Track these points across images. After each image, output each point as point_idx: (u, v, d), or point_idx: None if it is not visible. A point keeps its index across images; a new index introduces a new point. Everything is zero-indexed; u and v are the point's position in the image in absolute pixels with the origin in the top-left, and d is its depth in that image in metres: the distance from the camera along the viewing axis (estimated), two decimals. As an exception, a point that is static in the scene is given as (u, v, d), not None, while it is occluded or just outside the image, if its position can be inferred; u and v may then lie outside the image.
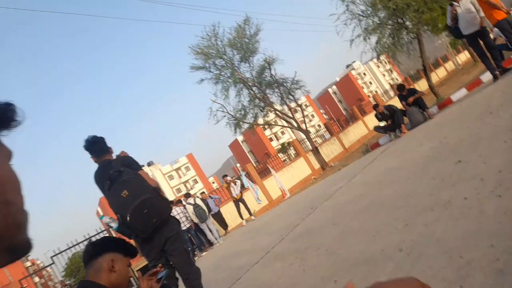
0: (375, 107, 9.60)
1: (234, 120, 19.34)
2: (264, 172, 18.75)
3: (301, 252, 3.79)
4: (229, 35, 18.81)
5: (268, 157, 26.00)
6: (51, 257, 11.02)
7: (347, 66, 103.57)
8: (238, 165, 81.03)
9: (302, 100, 22.70)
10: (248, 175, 16.02)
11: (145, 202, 2.84)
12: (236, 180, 13.11)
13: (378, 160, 6.99)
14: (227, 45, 18.80)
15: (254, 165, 21.43)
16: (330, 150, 20.37)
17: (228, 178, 12.96)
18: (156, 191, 2.98)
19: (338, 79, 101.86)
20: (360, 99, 72.09)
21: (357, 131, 22.69)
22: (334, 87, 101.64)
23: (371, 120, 23.11)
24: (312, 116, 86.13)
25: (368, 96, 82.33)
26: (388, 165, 5.71)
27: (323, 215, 5.00)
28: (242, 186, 13.99)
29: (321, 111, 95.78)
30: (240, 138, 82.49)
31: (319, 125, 79.78)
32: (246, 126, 20.10)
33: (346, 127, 23.47)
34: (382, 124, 9.45)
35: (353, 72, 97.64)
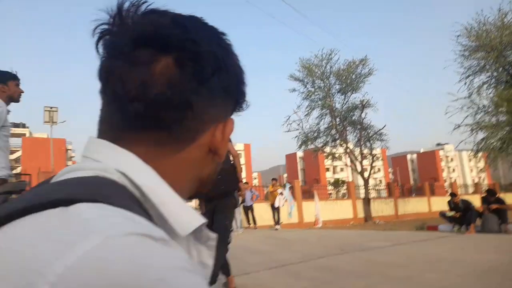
0: (453, 195, 9.23)
1: (305, 138, 19.37)
2: (306, 194, 18.47)
3: (318, 283, 3.64)
4: (341, 65, 18.89)
5: (316, 183, 25.61)
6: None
7: (438, 145, 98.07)
8: (285, 175, 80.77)
9: (377, 151, 22.01)
10: (292, 189, 15.89)
11: (222, 170, 2.98)
12: (282, 191, 13.07)
13: (432, 242, 6.50)
14: (334, 73, 18.85)
15: (302, 183, 21.28)
16: (381, 208, 19.44)
17: (279, 190, 12.97)
18: (234, 166, 3.12)
19: (422, 150, 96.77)
20: (435, 179, 67.65)
21: (417, 206, 21.36)
22: (414, 156, 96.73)
23: (437, 203, 21.64)
24: (378, 170, 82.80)
25: (445, 180, 77.01)
26: (441, 251, 5.27)
27: (353, 263, 4.76)
28: (286, 200, 13.92)
29: (389, 170, 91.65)
30: (300, 153, 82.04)
31: (380, 181, 76.58)
32: (311, 147, 20.01)
33: (407, 196, 22.20)
34: (450, 214, 8.93)
35: (441, 152, 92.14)
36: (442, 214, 9.25)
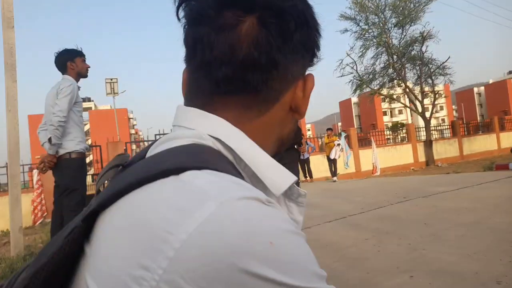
0: None
1: (360, 80, 18.37)
2: (363, 142, 18.02)
3: (381, 234, 3.67)
4: None
5: (373, 128, 24.81)
6: (155, 135, 12.42)
7: (510, 72, 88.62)
8: (339, 124, 79.03)
9: (439, 87, 20.41)
10: (348, 138, 15.57)
11: None
12: (339, 143, 12.81)
13: (501, 182, 6.14)
14: (389, 5, 17.19)
15: (357, 131, 20.70)
16: (444, 150, 18.49)
17: (336, 142, 12.67)
18: (296, 119, 3.19)
19: (491, 81, 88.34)
20: (505, 111, 62.12)
21: (485, 144, 19.99)
22: (482, 88, 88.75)
23: (507, 138, 20.11)
24: (441, 108, 77.71)
25: (517, 112, 70.55)
26: (511, 193, 4.99)
27: (416, 210, 4.69)
28: (342, 150, 13.67)
29: (454, 107, 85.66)
30: (354, 99, 79.19)
31: (443, 120, 72.12)
32: (367, 90, 19.02)
33: (473, 134, 20.81)
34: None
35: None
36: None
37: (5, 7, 4.45)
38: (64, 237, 0.37)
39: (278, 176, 0.43)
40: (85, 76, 3.49)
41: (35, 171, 9.65)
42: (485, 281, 2.21)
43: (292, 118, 0.50)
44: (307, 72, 0.50)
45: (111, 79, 20.13)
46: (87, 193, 3.48)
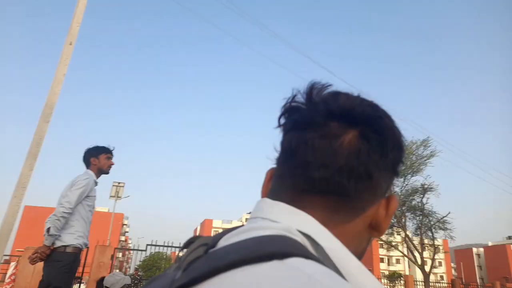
0: None
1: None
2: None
3: None
4: None
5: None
6: (147, 245, 11.82)
7: (509, 238, 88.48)
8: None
9: (438, 242, 20.11)
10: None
11: None
12: None
13: None
14: None
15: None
16: (445, 310, 17.18)
17: None
18: None
19: (490, 243, 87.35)
20: (506, 278, 59.59)
21: (488, 310, 18.64)
22: (481, 249, 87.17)
23: (512, 308, 18.84)
24: (440, 263, 75.08)
25: (518, 281, 67.52)
26: None
27: None
28: None
29: (452, 265, 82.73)
30: (351, 240, 77.39)
31: (441, 277, 68.87)
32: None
33: (474, 296, 19.61)
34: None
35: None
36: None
37: (48, 105, 4.86)
38: None
39: (366, 281, 0.43)
40: (107, 172, 3.57)
41: (13, 264, 9.06)
42: None
43: (369, 235, 0.51)
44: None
45: (119, 183, 20.11)
46: None
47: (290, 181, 0.49)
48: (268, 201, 0.49)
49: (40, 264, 3.24)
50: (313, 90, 0.50)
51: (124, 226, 68.93)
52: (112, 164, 3.60)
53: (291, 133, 0.50)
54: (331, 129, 0.47)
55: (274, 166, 0.54)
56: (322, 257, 0.41)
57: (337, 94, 0.50)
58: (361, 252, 0.52)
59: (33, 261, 3.16)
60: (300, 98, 0.51)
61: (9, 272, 8.86)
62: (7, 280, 8.65)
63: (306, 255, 0.38)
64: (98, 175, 3.52)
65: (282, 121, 0.52)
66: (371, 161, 0.46)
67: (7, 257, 11.83)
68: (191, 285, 0.36)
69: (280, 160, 0.52)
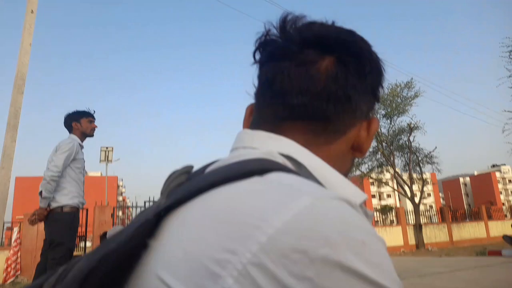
0: None
1: (350, 162, 18.89)
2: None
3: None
4: (386, 89, 18.34)
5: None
6: (145, 201, 12.12)
7: (493, 166, 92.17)
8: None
9: (426, 175, 21.00)
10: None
11: None
12: None
13: (496, 267, 6.04)
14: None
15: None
16: (434, 234, 18.33)
17: None
18: None
19: (476, 173, 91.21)
20: (491, 202, 63.04)
21: (474, 231, 19.92)
22: (468, 179, 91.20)
23: (495, 227, 20.12)
24: (429, 195, 78.66)
25: (503, 204, 71.60)
26: (510, 278, 4.89)
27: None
28: None
29: (441, 195, 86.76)
30: (343, 180, 79.96)
31: (431, 206, 72.51)
32: (357, 173, 19.51)
33: (461, 221, 20.86)
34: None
35: (497, 174, 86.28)
36: (506, 238, 8.61)
37: (18, 76, 4.73)
38: (134, 228, 0.37)
39: (349, 193, 0.43)
40: (91, 135, 3.58)
41: (16, 229, 9.32)
42: None
43: (352, 156, 0.52)
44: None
45: (107, 148, 20.03)
46: (74, 253, 3.39)
47: (269, 111, 0.49)
48: (248, 131, 0.50)
49: (43, 226, 3.37)
50: (286, 22, 0.49)
51: (120, 187, 70.02)
52: (95, 127, 3.61)
53: (267, 65, 0.49)
54: (307, 57, 0.47)
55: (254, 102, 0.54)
56: (304, 175, 0.42)
57: (311, 23, 0.49)
58: (345, 173, 0.52)
59: (32, 222, 3.29)
60: (274, 32, 0.50)
61: (14, 236, 9.15)
62: (13, 244, 8.98)
63: (286, 170, 0.39)
64: (82, 139, 3.54)
65: (258, 56, 0.51)
66: (349, 84, 0.46)
67: (9, 224, 12.10)
68: (176, 206, 0.37)
69: (259, 93, 0.52)
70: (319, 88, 0.46)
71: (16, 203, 43.48)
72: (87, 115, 3.54)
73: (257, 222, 0.31)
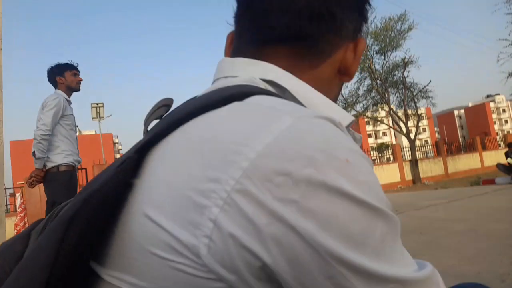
0: (510, 145, 8.68)
1: (344, 103, 18.78)
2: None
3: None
4: (379, 23, 17.75)
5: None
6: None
7: (487, 96, 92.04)
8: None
9: (421, 110, 21.01)
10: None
11: None
12: None
13: (490, 195, 6.23)
14: (371, 34, 17.87)
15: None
16: (429, 168, 18.77)
17: None
18: None
19: (470, 104, 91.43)
20: (485, 133, 63.97)
21: (469, 162, 20.39)
22: (462, 111, 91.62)
23: (489, 157, 20.57)
24: (424, 130, 79.56)
25: (497, 133, 72.76)
26: (503, 203, 5.04)
27: (409, 221, 4.68)
28: None
29: (436, 129, 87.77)
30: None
31: (426, 141, 73.73)
32: (352, 113, 19.43)
33: (455, 154, 21.26)
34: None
35: (491, 105, 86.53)
36: (500, 166, 8.85)
37: None
38: (116, 166, 0.35)
39: (335, 115, 0.40)
40: (77, 89, 3.44)
41: (18, 195, 9.41)
42: (488, 280, 2.18)
43: (339, 82, 0.50)
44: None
45: (97, 104, 19.84)
46: None
47: (249, 35, 0.46)
48: (228, 59, 0.47)
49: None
50: None
51: (117, 144, 70.16)
52: (80, 80, 3.46)
53: None
54: None
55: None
56: (288, 99, 0.40)
57: None
58: (333, 99, 0.50)
59: (31, 184, 3.27)
60: None
61: (18, 202, 9.25)
62: (18, 210, 9.10)
63: (268, 93, 0.38)
64: (68, 94, 3.41)
65: None
66: (332, 1, 0.43)
67: (11, 190, 12.24)
68: (156, 141, 0.37)
69: (238, 17, 0.48)
70: (301, 5, 0.42)
71: (15, 168, 43.61)
72: (70, 68, 3.38)
73: (238, 147, 0.31)
